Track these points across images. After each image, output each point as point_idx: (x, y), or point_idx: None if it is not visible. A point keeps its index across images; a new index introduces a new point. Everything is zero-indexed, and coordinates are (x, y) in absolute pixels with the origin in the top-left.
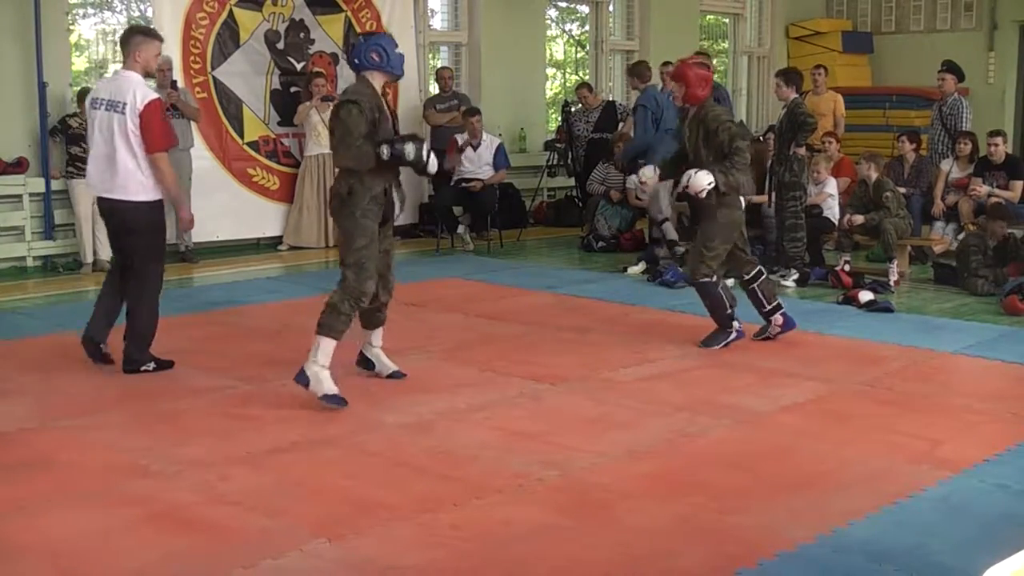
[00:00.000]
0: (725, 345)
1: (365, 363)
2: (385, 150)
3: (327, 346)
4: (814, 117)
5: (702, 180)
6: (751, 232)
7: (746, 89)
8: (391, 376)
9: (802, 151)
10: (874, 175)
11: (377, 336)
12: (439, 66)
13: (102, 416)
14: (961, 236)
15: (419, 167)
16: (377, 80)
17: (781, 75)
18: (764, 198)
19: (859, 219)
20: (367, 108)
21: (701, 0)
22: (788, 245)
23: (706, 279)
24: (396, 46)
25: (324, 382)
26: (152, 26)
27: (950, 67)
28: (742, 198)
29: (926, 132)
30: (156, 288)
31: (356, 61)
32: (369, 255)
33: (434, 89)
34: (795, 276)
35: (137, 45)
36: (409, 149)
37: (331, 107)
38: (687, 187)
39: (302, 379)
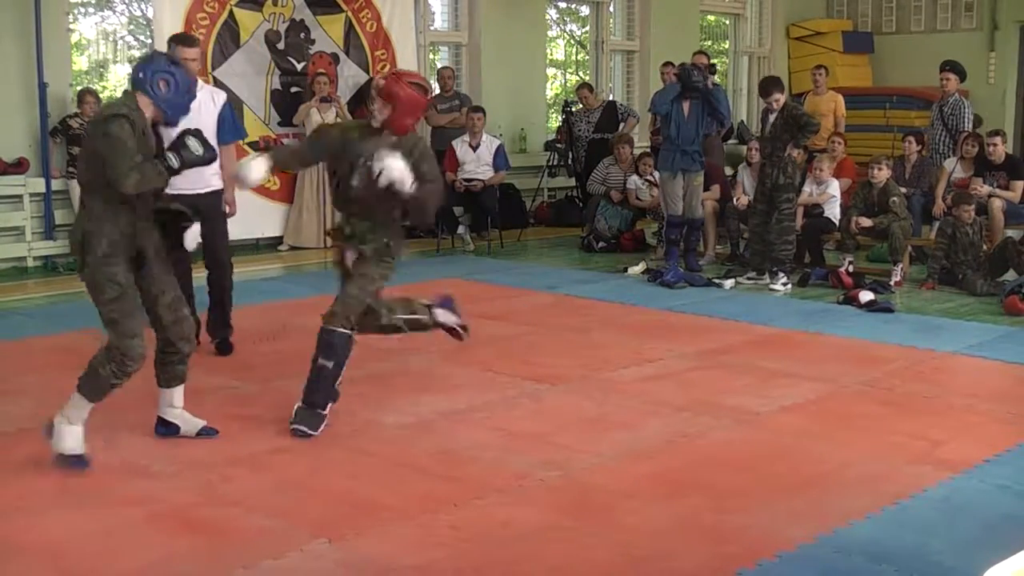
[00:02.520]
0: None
1: (165, 426)
2: (173, 157)
3: (80, 404)
4: (813, 117)
5: (397, 164)
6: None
7: (746, 89)
8: (201, 434)
9: (796, 153)
10: (885, 178)
11: (177, 396)
12: (440, 66)
13: (102, 416)
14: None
15: (205, 158)
16: (147, 107)
17: (778, 87)
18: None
19: (867, 222)
20: (137, 125)
21: (702, 0)
22: (779, 246)
23: (343, 330)
24: (190, 93)
25: (66, 438)
26: (152, 26)
27: (953, 67)
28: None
29: (926, 132)
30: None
31: (140, 75)
32: (124, 310)
33: (436, 89)
34: (783, 280)
35: None
36: (193, 144)
37: (331, 108)
38: (380, 175)
39: (47, 431)
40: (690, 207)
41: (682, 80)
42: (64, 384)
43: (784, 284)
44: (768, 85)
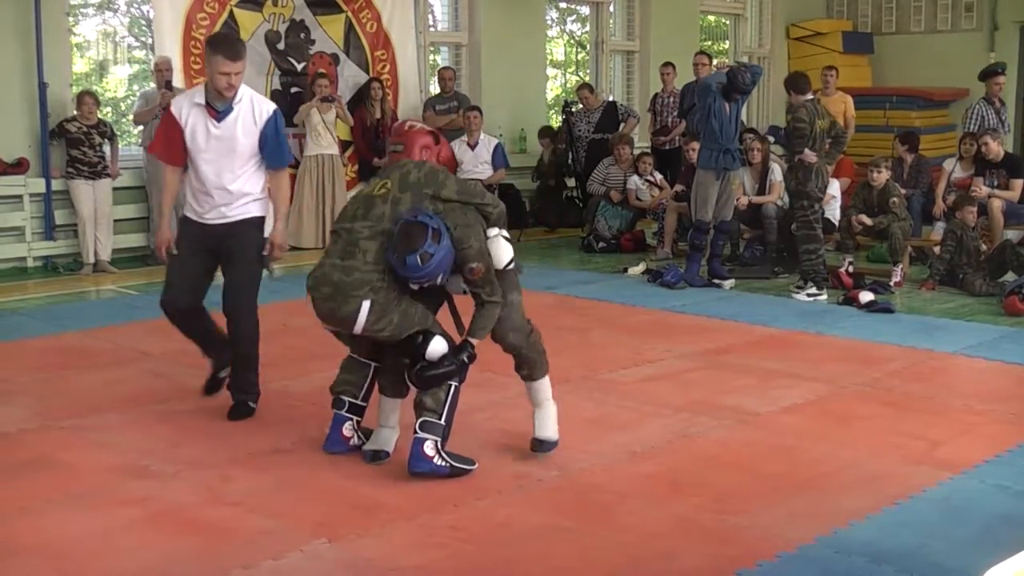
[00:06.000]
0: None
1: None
2: None
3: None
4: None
5: None
6: (752, 232)
7: None
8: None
9: (810, 158)
10: (884, 180)
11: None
12: (441, 66)
13: (102, 416)
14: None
15: None
16: None
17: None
18: (765, 198)
19: (867, 220)
20: None
21: (702, 0)
22: (802, 257)
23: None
24: None
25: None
26: (152, 27)
27: (1004, 69)
28: None
29: (927, 133)
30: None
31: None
32: None
33: (435, 89)
34: (811, 290)
35: None
36: None
37: (332, 108)
38: None
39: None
40: (722, 209)
41: (732, 83)
42: (64, 384)
43: (809, 296)
44: (804, 82)
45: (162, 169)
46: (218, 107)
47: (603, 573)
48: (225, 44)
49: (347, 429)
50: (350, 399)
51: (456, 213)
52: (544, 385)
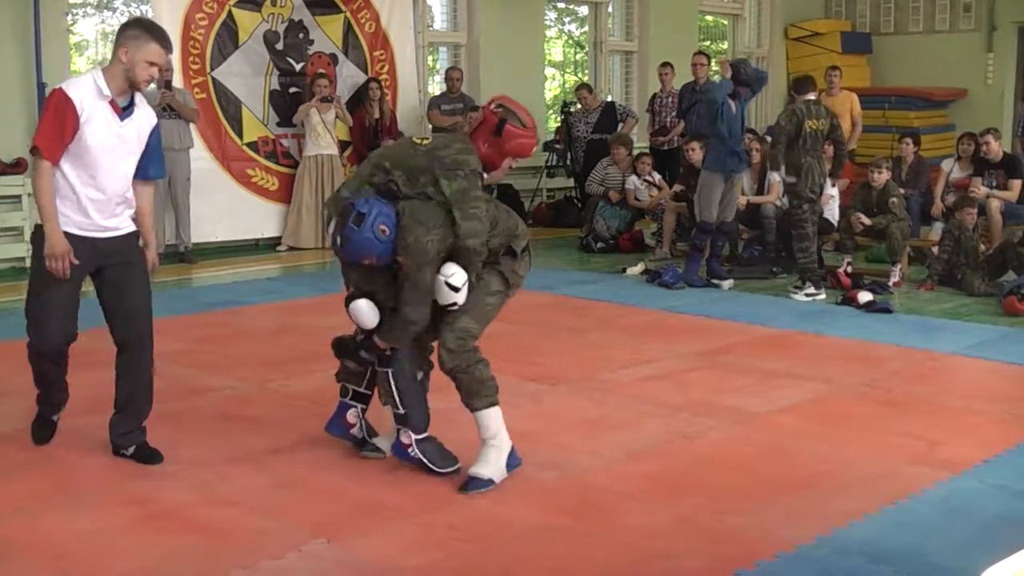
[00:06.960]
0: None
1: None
2: None
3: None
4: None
5: None
6: (751, 233)
7: None
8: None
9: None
10: (884, 181)
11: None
12: (448, 67)
13: (102, 416)
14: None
15: None
16: None
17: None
18: (763, 198)
19: (867, 220)
20: None
21: (700, 1)
22: (796, 256)
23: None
24: None
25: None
26: None
27: None
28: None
29: (926, 133)
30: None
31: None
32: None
33: (433, 89)
34: (809, 290)
35: None
36: None
37: (331, 108)
38: None
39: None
40: (724, 210)
41: (737, 76)
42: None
43: (808, 295)
44: (804, 84)
45: (40, 165)
46: (122, 103)
47: (602, 573)
48: (161, 31)
49: (351, 415)
50: (353, 387)
51: (420, 208)
52: (488, 419)
